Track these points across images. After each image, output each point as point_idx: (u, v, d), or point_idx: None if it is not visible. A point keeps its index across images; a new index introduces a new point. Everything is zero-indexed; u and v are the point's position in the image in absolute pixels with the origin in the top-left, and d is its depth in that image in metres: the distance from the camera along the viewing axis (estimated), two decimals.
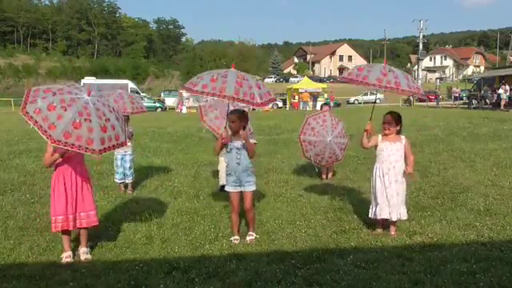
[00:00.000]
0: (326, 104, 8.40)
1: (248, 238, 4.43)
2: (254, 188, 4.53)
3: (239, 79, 4.16)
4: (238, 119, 4.41)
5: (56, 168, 4.00)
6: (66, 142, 3.42)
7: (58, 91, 3.62)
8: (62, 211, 3.93)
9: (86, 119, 3.50)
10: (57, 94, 3.57)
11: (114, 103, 5.77)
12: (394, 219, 4.55)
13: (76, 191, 4.00)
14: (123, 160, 6.66)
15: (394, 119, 4.57)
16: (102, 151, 3.58)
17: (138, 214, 5.43)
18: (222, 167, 6.01)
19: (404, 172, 4.55)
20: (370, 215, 4.75)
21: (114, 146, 3.69)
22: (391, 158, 4.57)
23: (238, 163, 4.40)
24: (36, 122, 3.40)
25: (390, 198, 4.54)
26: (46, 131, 3.38)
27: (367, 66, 4.88)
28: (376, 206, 4.65)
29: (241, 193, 4.49)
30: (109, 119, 3.67)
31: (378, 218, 4.62)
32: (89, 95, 3.67)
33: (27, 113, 3.43)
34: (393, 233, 4.55)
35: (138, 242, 4.43)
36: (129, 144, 6.65)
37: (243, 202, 4.49)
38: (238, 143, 4.42)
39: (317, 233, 4.65)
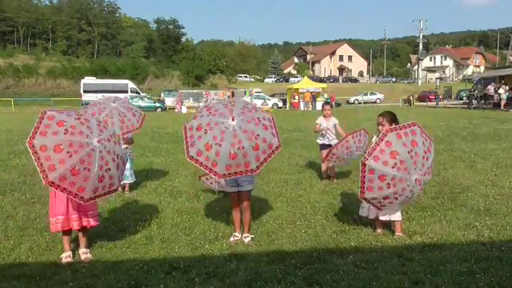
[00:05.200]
0: (327, 103, 8.32)
1: (246, 241, 4.42)
2: (250, 187, 4.55)
3: (235, 147, 3.92)
4: None
5: None
6: (58, 185, 3.55)
7: (71, 127, 3.64)
8: (62, 211, 3.93)
9: (85, 168, 3.62)
10: (68, 133, 3.60)
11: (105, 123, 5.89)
12: (383, 219, 4.53)
13: None
14: None
15: (386, 119, 4.59)
16: (91, 199, 3.78)
17: (138, 213, 5.43)
18: None
19: None
20: (359, 213, 4.77)
21: (105, 193, 3.84)
22: None
23: None
24: (38, 158, 3.49)
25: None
26: (44, 170, 3.49)
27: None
28: (366, 204, 4.66)
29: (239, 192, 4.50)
30: (109, 169, 3.78)
31: (369, 217, 4.63)
32: (99, 142, 3.71)
33: (33, 146, 3.50)
34: (397, 233, 4.52)
35: (138, 242, 4.43)
36: (126, 145, 6.67)
37: (240, 201, 4.50)
38: None
39: (317, 233, 4.65)
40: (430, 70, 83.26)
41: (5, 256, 4.08)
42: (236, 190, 4.49)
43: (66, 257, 3.93)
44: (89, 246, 4.17)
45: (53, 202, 3.97)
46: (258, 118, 4.15)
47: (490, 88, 32.10)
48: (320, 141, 7.68)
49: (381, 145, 4.03)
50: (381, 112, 4.77)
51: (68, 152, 3.53)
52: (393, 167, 3.99)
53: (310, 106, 38.42)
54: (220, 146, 3.90)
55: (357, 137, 6.82)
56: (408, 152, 4.02)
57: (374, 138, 4.71)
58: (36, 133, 3.54)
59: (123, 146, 6.60)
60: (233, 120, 3.98)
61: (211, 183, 5.84)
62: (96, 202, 4.21)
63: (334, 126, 7.52)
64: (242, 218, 4.55)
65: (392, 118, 4.62)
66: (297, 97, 39.67)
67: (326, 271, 3.62)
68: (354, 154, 6.79)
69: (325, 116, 7.54)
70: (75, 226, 3.98)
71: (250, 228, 4.60)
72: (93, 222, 4.13)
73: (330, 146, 7.46)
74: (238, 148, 3.93)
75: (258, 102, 39.62)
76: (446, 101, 43.47)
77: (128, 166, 6.67)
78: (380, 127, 4.63)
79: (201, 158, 3.95)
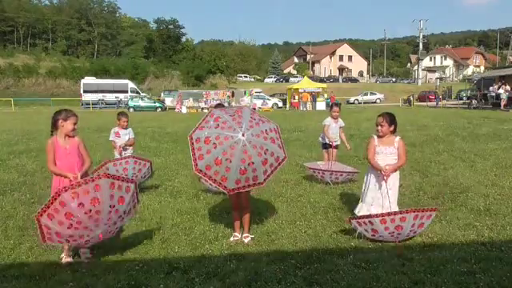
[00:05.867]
0: (336, 104, 8.19)
1: (245, 241, 4.41)
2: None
3: (245, 163, 3.99)
4: None
5: (58, 167, 4.01)
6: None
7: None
8: None
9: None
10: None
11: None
12: None
13: None
14: None
15: (386, 120, 4.59)
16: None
17: (138, 213, 5.43)
18: None
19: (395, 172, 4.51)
20: (356, 211, 4.80)
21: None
22: (384, 163, 4.59)
23: None
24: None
25: (384, 200, 4.56)
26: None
27: None
28: (364, 203, 4.71)
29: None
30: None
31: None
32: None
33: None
34: None
35: (138, 242, 4.43)
36: (129, 148, 6.69)
37: (240, 201, 4.51)
38: None
39: (317, 233, 4.65)
40: (430, 70, 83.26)
41: (5, 256, 4.08)
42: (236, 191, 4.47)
43: (66, 257, 3.93)
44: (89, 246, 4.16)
45: None
46: (266, 131, 4.18)
47: (495, 88, 31.96)
48: (323, 140, 7.69)
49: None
50: (380, 112, 4.76)
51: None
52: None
53: (310, 105, 38.41)
54: (230, 161, 3.94)
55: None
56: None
57: (377, 141, 4.71)
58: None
59: (128, 148, 6.65)
60: (243, 135, 3.97)
61: (211, 184, 5.85)
62: None
63: (340, 127, 7.59)
64: (242, 218, 4.55)
65: (392, 119, 4.63)
66: (297, 97, 39.69)
67: (325, 271, 3.62)
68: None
69: (333, 117, 7.56)
70: None
71: (249, 228, 4.60)
72: None
73: (331, 146, 7.52)
74: (248, 164, 3.99)
75: (258, 102, 39.64)
76: (445, 100, 43.46)
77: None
78: (379, 127, 4.63)
79: (209, 172, 4.00)
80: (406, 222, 4.07)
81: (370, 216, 4.24)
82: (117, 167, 6.06)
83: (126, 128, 6.75)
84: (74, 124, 4.11)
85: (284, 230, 4.76)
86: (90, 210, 3.51)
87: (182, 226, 4.90)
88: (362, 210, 4.74)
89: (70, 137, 4.11)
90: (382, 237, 4.23)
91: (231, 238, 4.47)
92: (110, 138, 6.74)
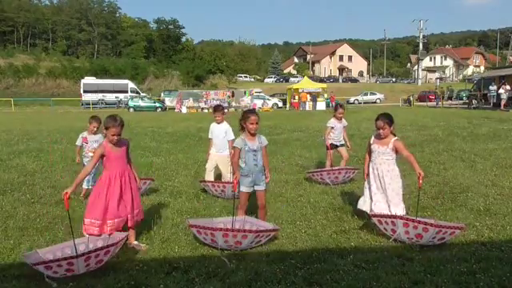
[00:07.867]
0: (341, 106, 8.10)
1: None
2: (266, 187, 4.72)
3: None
4: (259, 120, 4.63)
5: (108, 168, 4.19)
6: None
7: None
8: (116, 214, 4.16)
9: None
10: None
11: None
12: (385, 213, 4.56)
13: (131, 189, 4.29)
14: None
15: (386, 123, 4.59)
16: None
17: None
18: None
19: (418, 177, 4.40)
20: (358, 206, 4.87)
21: None
22: (376, 161, 4.69)
23: (256, 164, 4.58)
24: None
25: (380, 196, 4.66)
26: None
27: None
28: (369, 199, 4.77)
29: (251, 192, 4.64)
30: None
31: (370, 212, 4.67)
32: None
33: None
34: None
35: (138, 242, 4.42)
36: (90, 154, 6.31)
37: (258, 200, 4.65)
38: (255, 145, 4.59)
39: (317, 233, 4.65)
40: (429, 70, 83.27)
41: (5, 256, 4.08)
42: (251, 191, 4.61)
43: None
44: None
45: (100, 204, 4.10)
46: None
47: (494, 87, 31.85)
48: (329, 140, 7.68)
49: None
50: (376, 116, 4.72)
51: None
52: None
53: (309, 105, 38.38)
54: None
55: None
56: None
57: (373, 139, 4.74)
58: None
59: (90, 154, 6.02)
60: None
61: (215, 190, 6.10)
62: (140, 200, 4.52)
63: (343, 127, 7.66)
64: (260, 215, 4.68)
65: (390, 119, 4.63)
66: (297, 97, 39.70)
67: (326, 271, 3.62)
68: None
69: (338, 118, 7.59)
70: (129, 223, 4.27)
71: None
72: (141, 216, 4.47)
73: (336, 146, 7.53)
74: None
75: (258, 102, 39.61)
76: (444, 100, 43.39)
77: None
78: (381, 131, 4.61)
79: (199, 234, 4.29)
80: (428, 233, 4.07)
81: (394, 216, 4.29)
82: None
83: (95, 134, 6.15)
84: (113, 135, 4.12)
85: (284, 230, 4.76)
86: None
87: (182, 226, 4.89)
88: (365, 204, 4.81)
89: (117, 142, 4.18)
90: (399, 237, 4.26)
91: None
92: (76, 143, 6.26)
